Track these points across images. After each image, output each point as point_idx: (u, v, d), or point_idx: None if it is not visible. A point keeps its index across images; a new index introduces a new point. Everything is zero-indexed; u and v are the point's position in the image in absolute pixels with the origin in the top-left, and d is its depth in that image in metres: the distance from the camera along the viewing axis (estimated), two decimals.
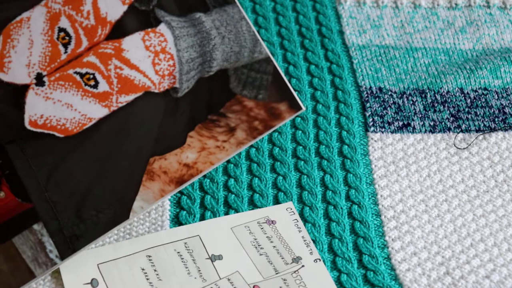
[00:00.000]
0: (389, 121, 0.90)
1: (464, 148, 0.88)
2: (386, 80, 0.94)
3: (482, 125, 0.90)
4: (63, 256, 0.71)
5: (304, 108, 0.69)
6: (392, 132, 0.89)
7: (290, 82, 0.94)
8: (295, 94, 0.71)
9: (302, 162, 0.86)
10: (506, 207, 0.83)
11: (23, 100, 0.71)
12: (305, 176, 0.85)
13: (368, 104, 0.91)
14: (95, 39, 0.72)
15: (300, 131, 0.89)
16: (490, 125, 0.90)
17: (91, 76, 0.71)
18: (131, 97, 0.71)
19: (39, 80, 0.71)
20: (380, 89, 0.93)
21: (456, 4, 1.02)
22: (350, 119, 0.90)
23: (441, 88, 0.93)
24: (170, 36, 0.72)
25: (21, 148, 0.70)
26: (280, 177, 0.85)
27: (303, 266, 0.78)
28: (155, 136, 0.70)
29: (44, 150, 0.70)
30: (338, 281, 0.77)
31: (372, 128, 0.89)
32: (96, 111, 0.71)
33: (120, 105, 0.71)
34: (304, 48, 0.97)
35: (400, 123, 0.90)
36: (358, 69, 0.95)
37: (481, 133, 0.89)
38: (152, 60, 0.71)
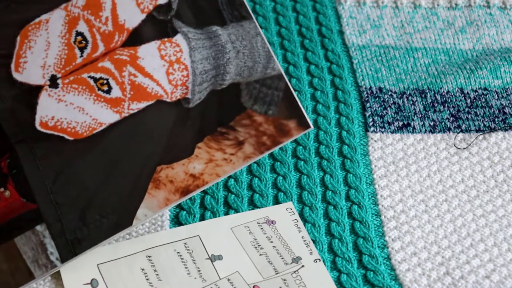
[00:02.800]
0: (389, 121, 0.90)
1: (464, 148, 0.88)
2: (386, 80, 0.94)
3: (482, 125, 0.90)
4: (64, 259, 0.71)
5: (312, 127, 0.70)
6: (392, 132, 0.89)
7: (290, 82, 0.94)
8: (304, 112, 0.71)
9: (302, 162, 0.86)
10: (506, 207, 0.83)
11: (35, 100, 0.71)
12: (305, 176, 0.85)
13: (368, 104, 0.91)
14: (112, 45, 0.72)
15: None
16: (490, 125, 0.90)
17: (105, 81, 0.71)
18: (143, 104, 0.71)
19: (53, 82, 0.71)
20: (380, 89, 0.93)
21: (456, 4, 1.02)
22: (350, 119, 0.90)
23: (441, 88, 0.93)
24: (186, 47, 0.72)
25: (30, 148, 0.70)
26: (280, 177, 0.85)
27: (303, 266, 0.78)
28: (164, 144, 0.71)
29: (53, 152, 0.70)
30: (338, 281, 0.77)
31: (372, 128, 0.89)
32: (107, 116, 0.71)
33: (131, 111, 0.71)
34: (304, 48, 0.97)
35: (400, 123, 0.90)
36: (358, 69, 0.95)
37: (481, 133, 0.89)
38: (166, 69, 0.72)
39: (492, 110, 0.91)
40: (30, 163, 0.70)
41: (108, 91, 0.71)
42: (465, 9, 1.01)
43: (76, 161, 0.70)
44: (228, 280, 0.76)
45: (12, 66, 0.71)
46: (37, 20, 0.72)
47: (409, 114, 0.91)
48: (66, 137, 0.71)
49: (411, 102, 0.92)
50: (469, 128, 0.89)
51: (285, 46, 0.97)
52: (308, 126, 0.69)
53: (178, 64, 0.72)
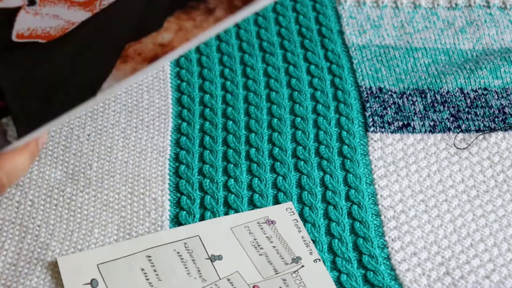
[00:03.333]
0: (389, 121, 0.90)
1: (464, 148, 0.88)
2: (386, 80, 0.94)
3: (482, 125, 0.90)
4: (20, 133, 0.71)
5: None
6: (392, 132, 0.89)
7: (290, 82, 0.94)
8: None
9: (302, 162, 0.86)
10: (506, 207, 0.83)
11: (13, 18, 0.74)
12: (305, 176, 0.85)
13: (368, 104, 0.92)
14: None
15: (300, 131, 0.89)
16: (490, 125, 0.90)
17: None
18: None
19: (31, 1, 0.74)
20: (380, 89, 0.93)
21: (456, 4, 1.02)
22: (350, 119, 0.90)
23: (441, 88, 0.93)
24: None
25: (5, 55, 0.73)
26: (280, 177, 0.85)
27: (302, 266, 0.78)
28: (133, 26, 0.72)
29: (26, 56, 0.73)
30: (338, 281, 0.77)
31: (372, 128, 0.89)
32: (79, 16, 0.73)
33: (103, 7, 0.73)
34: (304, 48, 0.97)
35: (400, 123, 0.90)
36: (358, 69, 0.95)
37: (481, 133, 0.89)
38: None
39: (492, 110, 0.91)
40: (2, 67, 0.72)
41: None
42: (465, 9, 1.01)
43: (47, 59, 0.72)
44: (228, 280, 0.76)
45: None
46: None
47: (409, 114, 0.91)
48: (40, 41, 0.73)
49: (411, 102, 0.92)
50: (469, 128, 0.89)
51: (285, 46, 0.97)
52: None
53: None
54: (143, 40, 0.70)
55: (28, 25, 0.74)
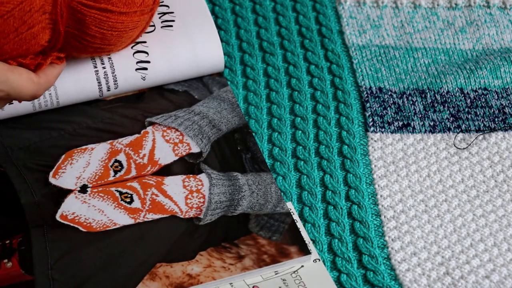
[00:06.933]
0: (389, 121, 0.90)
1: (464, 148, 0.88)
2: (386, 80, 0.94)
3: (482, 125, 0.90)
4: None
5: (311, 254, 0.78)
6: (392, 132, 0.89)
7: (290, 82, 0.94)
8: (307, 241, 0.79)
9: (302, 162, 0.86)
10: (506, 207, 0.83)
11: (62, 199, 0.80)
12: (305, 176, 0.85)
13: (368, 104, 0.91)
14: (143, 172, 0.82)
15: (300, 131, 0.89)
16: (490, 125, 0.90)
17: (129, 195, 0.80)
18: (157, 216, 0.79)
19: (83, 189, 0.81)
20: (380, 89, 0.93)
21: (456, 4, 1.02)
22: (350, 119, 0.90)
23: (441, 88, 0.93)
24: (207, 183, 0.81)
25: (45, 232, 0.77)
26: (280, 177, 0.85)
27: (302, 266, 0.78)
28: (168, 248, 0.77)
29: (64, 238, 0.78)
30: (338, 281, 0.77)
31: (372, 128, 0.89)
32: (123, 220, 0.79)
33: (146, 220, 0.79)
34: (304, 48, 0.97)
35: (400, 123, 0.90)
36: (358, 69, 0.95)
37: (481, 133, 0.89)
38: (186, 195, 0.81)
39: (492, 110, 0.91)
40: (39, 244, 0.77)
41: (130, 203, 0.80)
42: (465, 9, 1.01)
43: (83, 248, 0.77)
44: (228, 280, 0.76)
45: (51, 173, 0.81)
46: (84, 146, 0.83)
47: (409, 114, 0.91)
48: (80, 228, 0.78)
49: (411, 102, 0.92)
50: (469, 128, 0.89)
51: (285, 46, 0.97)
52: (309, 252, 0.77)
53: (197, 193, 0.81)
54: (173, 265, 0.76)
55: (74, 210, 0.79)
